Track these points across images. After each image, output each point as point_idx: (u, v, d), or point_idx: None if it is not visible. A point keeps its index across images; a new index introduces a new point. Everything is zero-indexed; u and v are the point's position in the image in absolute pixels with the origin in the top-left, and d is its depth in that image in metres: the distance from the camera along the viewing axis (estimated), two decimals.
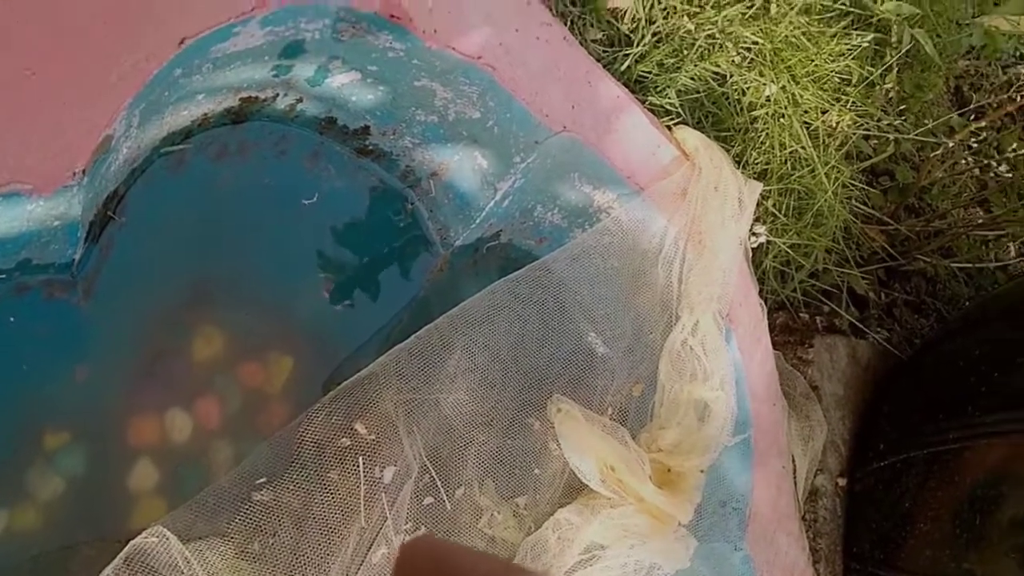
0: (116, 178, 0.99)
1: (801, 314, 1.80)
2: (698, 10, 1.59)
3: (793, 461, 1.55)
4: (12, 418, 1.00)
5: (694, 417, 1.38)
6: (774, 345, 1.56)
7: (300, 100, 1.17)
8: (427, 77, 1.16)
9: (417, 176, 1.31)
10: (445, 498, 1.22)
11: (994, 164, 2.13)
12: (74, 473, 1.05)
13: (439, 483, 1.22)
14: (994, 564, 1.31)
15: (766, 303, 1.55)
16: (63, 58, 0.82)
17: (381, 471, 1.16)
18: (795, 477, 1.54)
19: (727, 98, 1.63)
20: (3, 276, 0.94)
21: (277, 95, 1.14)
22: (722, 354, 1.40)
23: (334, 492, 1.12)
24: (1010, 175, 2.10)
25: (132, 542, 0.95)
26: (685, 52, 1.56)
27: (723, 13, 1.59)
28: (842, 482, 1.67)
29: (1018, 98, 2.09)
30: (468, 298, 1.29)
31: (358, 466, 1.14)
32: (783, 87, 1.65)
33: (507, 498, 1.28)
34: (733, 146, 1.61)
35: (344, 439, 1.15)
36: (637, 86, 1.51)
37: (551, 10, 1.28)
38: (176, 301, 1.13)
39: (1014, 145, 2.13)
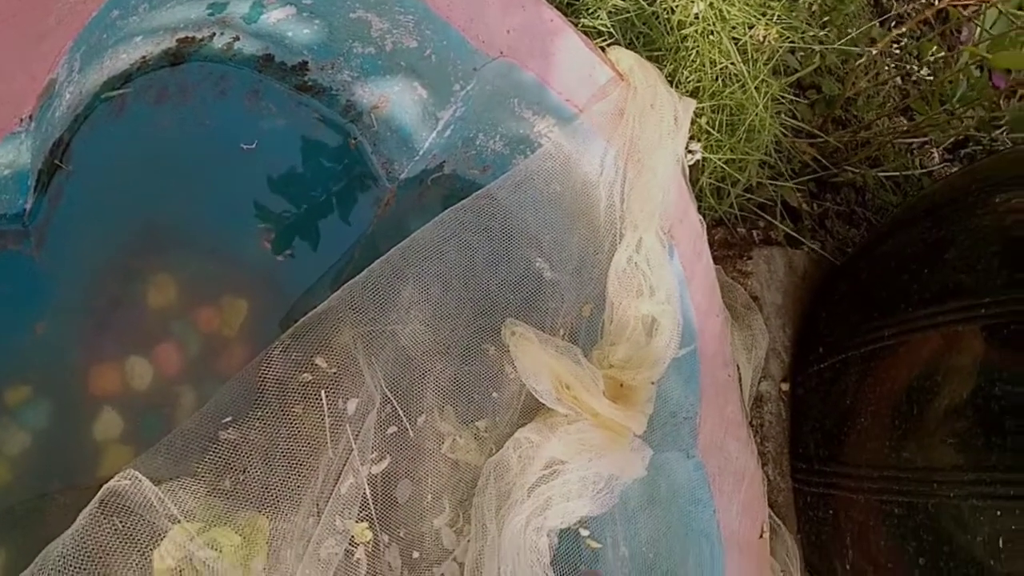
0: (61, 124, 0.98)
1: (739, 229, 1.84)
2: None
3: (738, 369, 1.60)
4: None
5: (642, 332, 1.41)
6: (715, 260, 1.60)
7: (237, 38, 1.16)
8: (362, 8, 1.16)
9: (358, 110, 1.31)
10: (408, 426, 1.25)
11: (915, 69, 2.19)
12: (39, 426, 1.05)
13: (401, 412, 1.24)
14: (931, 451, 1.37)
15: (704, 219, 1.59)
16: (4, 7, 0.81)
17: (344, 403, 1.18)
18: (741, 385, 1.59)
19: (657, 17, 1.64)
20: None
21: (214, 34, 1.13)
22: (666, 269, 1.44)
23: (299, 426, 1.14)
24: (931, 78, 2.16)
25: (105, 486, 0.96)
26: None
27: None
28: (785, 387, 1.74)
29: (935, 2, 2.13)
30: (415, 230, 1.31)
31: (321, 400, 1.16)
32: (711, 4, 1.67)
33: (468, 423, 1.31)
34: (665, 65, 1.63)
35: (305, 374, 1.16)
36: (569, 9, 1.52)
37: None
38: (127, 249, 1.13)
39: (933, 49, 2.18)
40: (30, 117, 0.84)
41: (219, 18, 1.10)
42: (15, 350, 1.03)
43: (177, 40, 1.09)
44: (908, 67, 2.28)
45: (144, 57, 1.08)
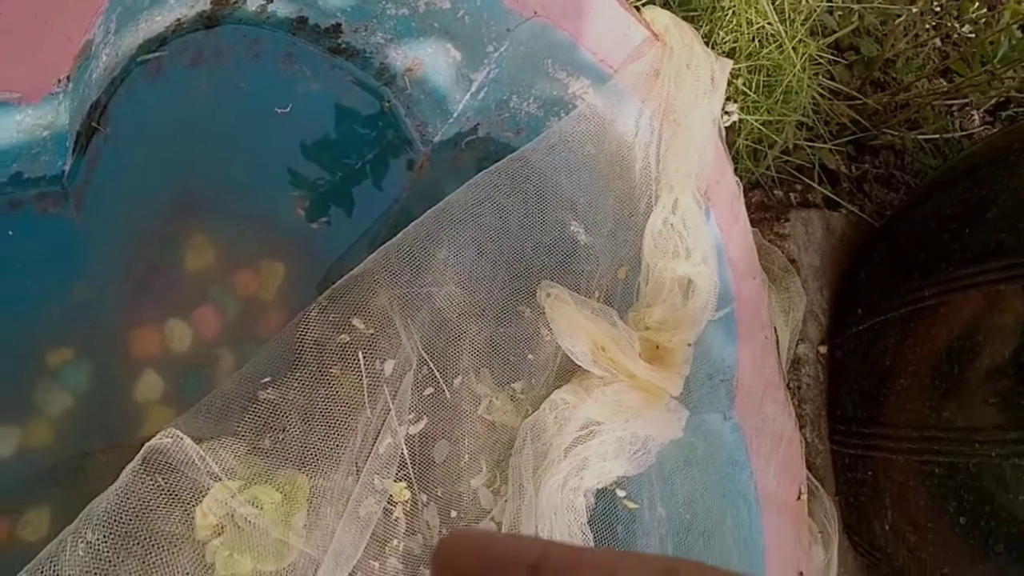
0: (98, 87, 0.99)
1: (775, 191, 1.83)
2: None
3: (775, 332, 1.59)
4: (14, 337, 1.02)
5: (679, 293, 1.41)
6: (751, 222, 1.59)
7: (271, 1, 1.16)
8: None
9: (392, 73, 1.31)
10: (444, 388, 1.25)
11: (955, 29, 2.15)
12: (81, 388, 1.06)
13: (437, 374, 1.25)
14: (973, 411, 1.36)
15: (741, 181, 1.58)
16: None
17: (381, 364, 1.18)
18: (778, 347, 1.58)
19: None
20: None
21: None
22: (703, 230, 1.43)
23: (337, 387, 1.14)
24: (971, 37, 2.12)
25: (148, 444, 0.97)
26: None
27: None
28: (823, 349, 1.72)
29: None
30: (449, 193, 1.31)
31: (359, 360, 1.16)
32: None
33: (503, 384, 1.31)
34: (701, 25, 1.62)
35: (343, 335, 1.17)
36: None
37: None
38: (165, 212, 1.14)
39: (974, 7, 2.14)
40: (67, 78, 0.84)
41: None
42: (56, 312, 1.04)
43: (211, 2, 1.10)
44: (948, 27, 2.24)
45: (179, 20, 1.08)
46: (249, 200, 1.22)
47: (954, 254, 1.49)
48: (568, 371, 1.36)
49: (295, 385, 1.12)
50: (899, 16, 2.09)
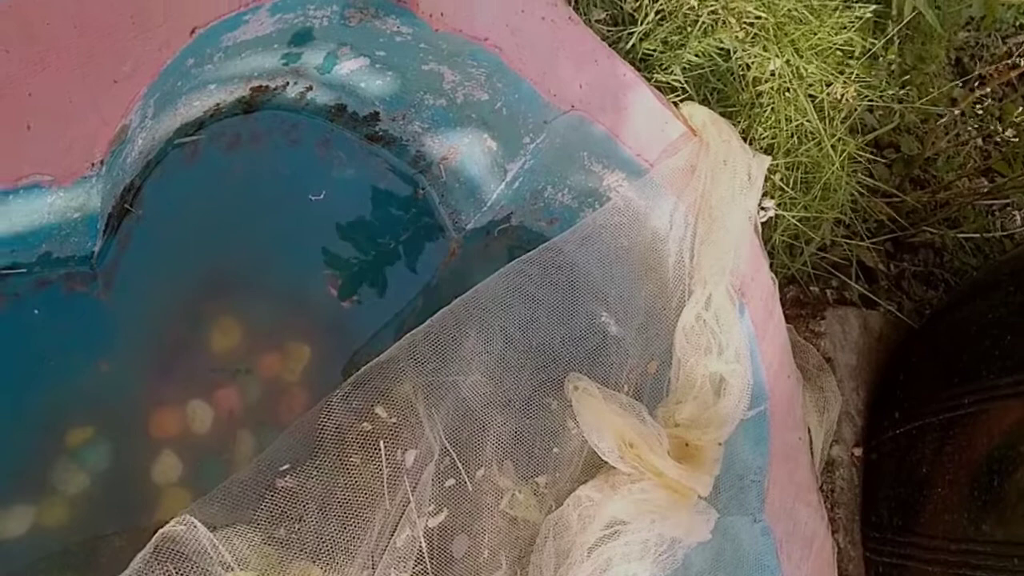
0: (132, 169, 1.00)
1: (812, 288, 1.80)
2: None
3: (809, 432, 1.56)
4: (36, 414, 1.01)
5: (710, 391, 1.38)
6: (786, 319, 1.56)
7: (310, 88, 1.17)
8: (435, 60, 1.16)
9: (427, 161, 1.31)
10: (466, 479, 1.23)
11: (998, 134, 2.14)
12: (99, 467, 1.05)
13: (460, 465, 1.22)
14: (1013, 525, 1.31)
15: (776, 277, 1.56)
16: (80, 50, 0.83)
17: (403, 454, 1.16)
18: (811, 448, 1.55)
19: (732, 73, 1.63)
20: (24, 270, 0.95)
21: (287, 83, 1.14)
22: (736, 327, 1.40)
23: (357, 476, 1.12)
24: (1015, 139, 2.10)
25: (160, 531, 0.95)
26: (689, 29, 1.56)
27: None
28: (858, 452, 1.68)
29: (1021, 63, 2.08)
30: (479, 281, 1.30)
31: (380, 450, 1.14)
32: (787, 61, 1.65)
33: (527, 478, 1.29)
34: (739, 121, 1.61)
35: (365, 423, 1.15)
36: (643, 64, 1.51)
37: None
38: (194, 292, 1.14)
39: (1019, 110, 2.13)
40: (101, 162, 0.85)
41: (293, 68, 1.11)
42: (79, 391, 1.04)
43: (251, 88, 1.11)
44: (990, 128, 2.22)
45: (218, 104, 1.09)
46: (278, 282, 1.22)
47: (995, 361, 1.46)
48: (594, 466, 1.33)
49: (314, 473, 1.10)
50: (941, 116, 2.08)
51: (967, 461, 1.44)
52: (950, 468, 1.45)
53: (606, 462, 1.28)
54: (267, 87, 1.13)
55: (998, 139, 2.22)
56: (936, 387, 1.56)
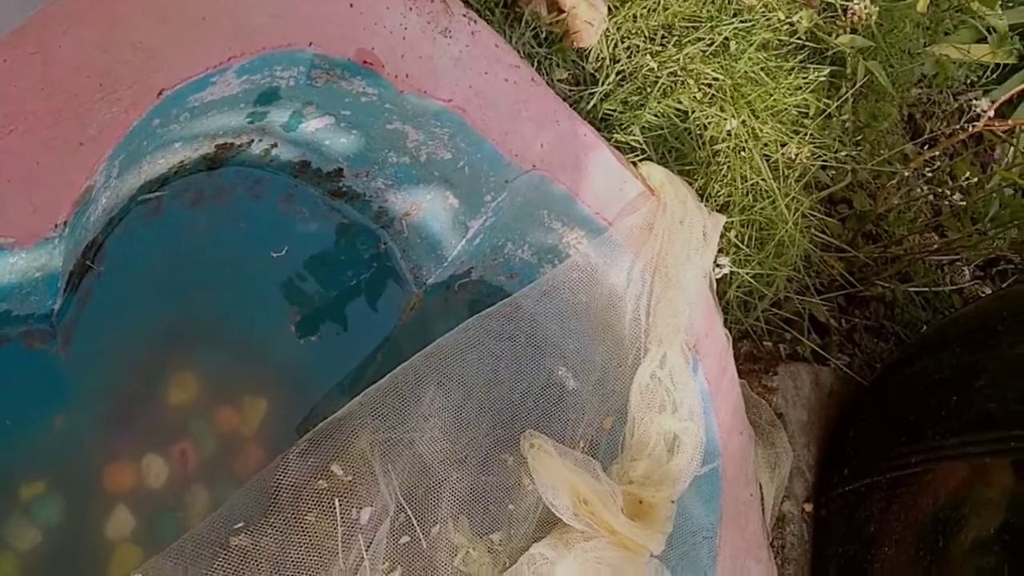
0: (95, 228, 1.00)
1: (765, 342, 1.83)
2: (660, 48, 1.62)
3: (760, 488, 1.58)
4: None
5: (664, 448, 1.40)
6: (739, 374, 1.59)
7: (275, 145, 1.18)
8: (399, 120, 1.18)
9: (390, 216, 1.32)
10: (421, 536, 1.23)
11: (947, 193, 2.19)
12: (51, 522, 1.04)
13: (415, 522, 1.23)
14: None
15: (730, 332, 1.58)
16: (47, 113, 0.83)
17: (358, 512, 1.17)
18: (763, 504, 1.57)
19: (689, 133, 1.66)
20: None
21: (252, 141, 1.15)
22: (690, 385, 1.43)
23: (312, 535, 1.12)
24: (963, 203, 2.16)
25: None
26: (648, 90, 1.59)
27: (684, 51, 1.63)
28: (808, 507, 1.70)
29: (969, 127, 2.14)
30: (440, 335, 1.31)
31: (335, 508, 1.14)
32: (743, 121, 1.69)
33: (482, 534, 1.29)
34: (696, 179, 1.65)
35: (321, 481, 1.15)
36: (603, 124, 1.54)
37: (519, 52, 1.31)
38: (152, 346, 1.14)
39: (967, 173, 2.19)
40: (64, 223, 0.85)
41: (259, 126, 1.12)
42: (33, 445, 1.03)
43: (216, 146, 1.12)
44: (940, 187, 2.28)
45: (182, 162, 1.10)
46: (238, 336, 1.22)
47: (941, 421, 1.49)
48: (548, 523, 1.34)
49: (269, 531, 1.09)
50: (893, 174, 2.13)
51: (913, 521, 1.46)
52: (897, 527, 1.48)
53: (561, 519, 1.29)
54: (232, 144, 1.13)
55: (948, 198, 2.28)
56: (884, 445, 1.59)
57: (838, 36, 1.95)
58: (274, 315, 1.25)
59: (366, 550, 1.15)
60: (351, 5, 1.07)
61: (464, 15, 1.20)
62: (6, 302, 0.92)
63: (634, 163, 1.47)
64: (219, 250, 1.19)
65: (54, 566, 1.04)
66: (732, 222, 1.68)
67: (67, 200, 0.86)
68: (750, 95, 1.71)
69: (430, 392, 1.27)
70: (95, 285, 1.06)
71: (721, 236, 1.52)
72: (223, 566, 1.05)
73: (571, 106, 1.38)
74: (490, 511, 1.30)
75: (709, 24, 1.69)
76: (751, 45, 1.72)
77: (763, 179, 1.72)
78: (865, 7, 2.00)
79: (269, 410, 1.23)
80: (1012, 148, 2.12)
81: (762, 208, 1.73)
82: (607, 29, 1.55)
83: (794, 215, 1.77)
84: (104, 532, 1.08)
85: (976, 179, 2.30)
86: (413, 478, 1.23)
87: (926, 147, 2.34)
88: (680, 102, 1.63)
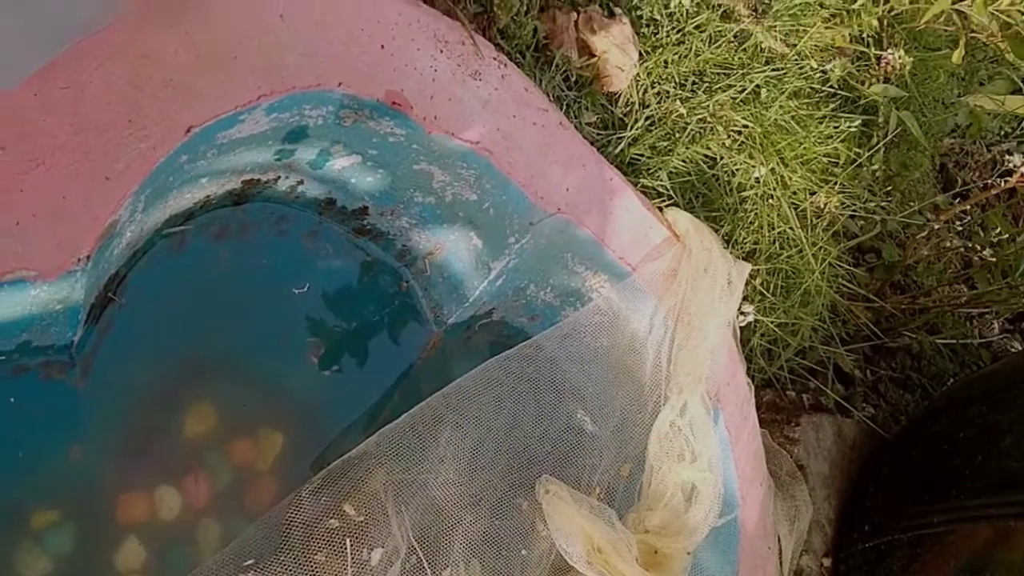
0: (118, 261, 1.00)
1: (788, 392, 1.81)
2: (690, 94, 1.62)
3: (779, 541, 1.55)
4: (3, 498, 1.00)
5: (681, 499, 1.38)
6: (761, 423, 1.57)
7: (301, 182, 1.19)
8: (426, 161, 1.18)
9: (413, 255, 1.32)
10: None
11: (978, 246, 2.17)
12: (62, 552, 1.04)
13: (426, 564, 1.21)
14: None
15: (753, 381, 1.57)
16: (76, 148, 0.84)
17: (369, 553, 1.16)
18: (780, 558, 1.54)
19: (717, 180, 1.66)
20: (2, 358, 0.95)
21: (279, 177, 1.16)
22: (710, 435, 1.41)
23: (321, 575, 1.12)
24: (994, 257, 2.13)
25: None
26: (677, 135, 1.59)
27: (715, 98, 1.62)
28: (827, 562, 1.68)
29: (1002, 183, 2.12)
30: (459, 375, 1.30)
31: (346, 548, 1.14)
32: (772, 169, 1.68)
33: None
34: (722, 226, 1.64)
35: (333, 520, 1.15)
36: (630, 168, 1.53)
37: (548, 95, 1.31)
38: (171, 378, 1.14)
39: (998, 228, 2.16)
40: (87, 257, 0.86)
41: (286, 163, 1.13)
42: (47, 474, 1.03)
43: (243, 182, 1.12)
44: (972, 241, 2.26)
45: (208, 197, 1.10)
46: (257, 370, 1.22)
47: (965, 481, 1.47)
48: (561, 570, 1.32)
49: (278, 569, 1.09)
50: (923, 224, 2.11)
51: None
52: None
53: (574, 567, 1.27)
54: (259, 180, 1.14)
55: (979, 252, 2.25)
56: (906, 503, 1.56)
57: (871, 85, 1.94)
58: (294, 350, 1.25)
59: None
60: (382, 46, 1.07)
61: (495, 58, 1.21)
62: (26, 333, 0.92)
63: (660, 208, 1.47)
64: (242, 285, 1.20)
65: None
66: (758, 270, 1.67)
67: (91, 235, 0.87)
68: (780, 143, 1.70)
69: (447, 432, 1.26)
70: (116, 317, 1.07)
71: (746, 284, 1.51)
72: None
73: (599, 150, 1.38)
74: (503, 556, 1.28)
75: (740, 71, 1.69)
76: (782, 93, 1.72)
77: (791, 227, 1.71)
78: (899, 57, 1.98)
79: (285, 445, 1.23)
80: None
81: (789, 256, 1.71)
82: (637, 74, 1.55)
83: (821, 264, 1.75)
84: (114, 563, 1.08)
85: (1008, 233, 2.27)
86: (426, 520, 1.22)
87: (958, 199, 2.32)
88: (709, 148, 1.63)
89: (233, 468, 1.19)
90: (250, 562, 1.08)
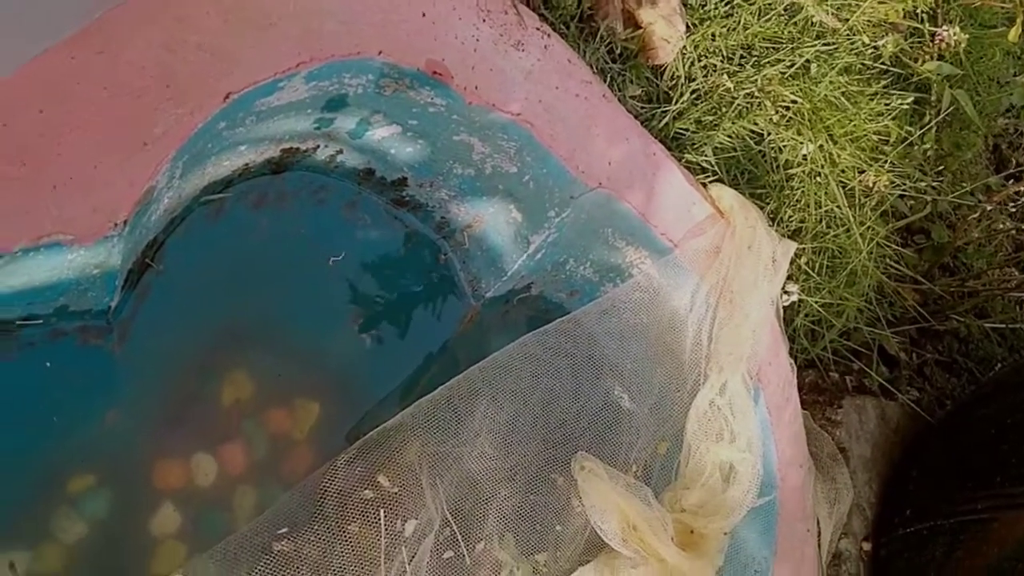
0: (156, 227, 1.00)
1: (831, 373, 1.78)
2: (738, 68, 1.59)
3: (818, 524, 1.53)
4: (40, 462, 1.01)
5: (719, 478, 1.37)
6: (803, 404, 1.55)
7: (340, 152, 1.18)
8: (466, 132, 1.17)
9: (452, 228, 1.31)
10: (465, 552, 1.21)
11: None
12: (98, 516, 1.05)
13: (459, 537, 1.21)
14: None
15: (796, 361, 1.54)
16: (112, 112, 0.83)
17: (403, 524, 1.16)
18: (819, 540, 1.52)
19: (763, 156, 1.62)
20: (40, 322, 0.95)
21: (318, 146, 1.15)
22: (749, 415, 1.39)
23: (354, 545, 1.12)
24: None
25: None
26: (723, 110, 1.56)
27: (763, 72, 1.59)
28: (867, 546, 1.65)
29: None
30: (496, 349, 1.30)
31: (379, 519, 1.14)
32: (820, 146, 1.65)
33: (527, 554, 1.27)
34: (768, 203, 1.61)
35: (367, 491, 1.15)
36: (674, 143, 1.51)
37: (591, 67, 1.29)
38: (208, 346, 1.14)
39: None
40: (124, 222, 0.85)
41: (325, 132, 1.12)
42: (84, 439, 1.04)
43: (281, 150, 1.12)
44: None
45: (247, 165, 1.10)
46: (293, 339, 1.22)
47: (1011, 468, 1.43)
48: (596, 546, 1.31)
49: (311, 539, 1.09)
50: (974, 206, 2.06)
51: (977, 568, 1.42)
52: (959, 574, 1.43)
53: (608, 544, 1.26)
54: (298, 149, 1.13)
55: None
56: (950, 488, 1.53)
57: (924, 63, 1.89)
58: (331, 320, 1.25)
59: (408, 563, 1.14)
60: (423, 14, 1.05)
61: (538, 28, 1.19)
62: (63, 297, 0.93)
63: (704, 184, 1.44)
64: (280, 253, 1.19)
65: (98, 560, 1.05)
66: (803, 248, 1.64)
67: (128, 200, 0.87)
68: (829, 120, 1.66)
69: (483, 406, 1.26)
70: (154, 283, 1.07)
71: (791, 263, 1.48)
72: (264, 570, 1.05)
73: (643, 124, 1.36)
74: (537, 530, 1.28)
75: (790, 46, 1.65)
76: (833, 69, 1.68)
77: (838, 206, 1.67)
78: (954, 34, 1.93)
79: (321, 414, 1.23)
80: None
81: (835, 236, 1.68)
82: (684, 47, 1.52)
83: (868, 244, 1.71)
84: (149, 528, 1.09)
85: None
86: (460, 493, 1.22)
87: (1011, 180, 2.26)
88: (756, 124, 1.59)
89: (269, 436, 1.19)
90: (284, 530, 1.08)
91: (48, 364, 0.99)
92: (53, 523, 1.02)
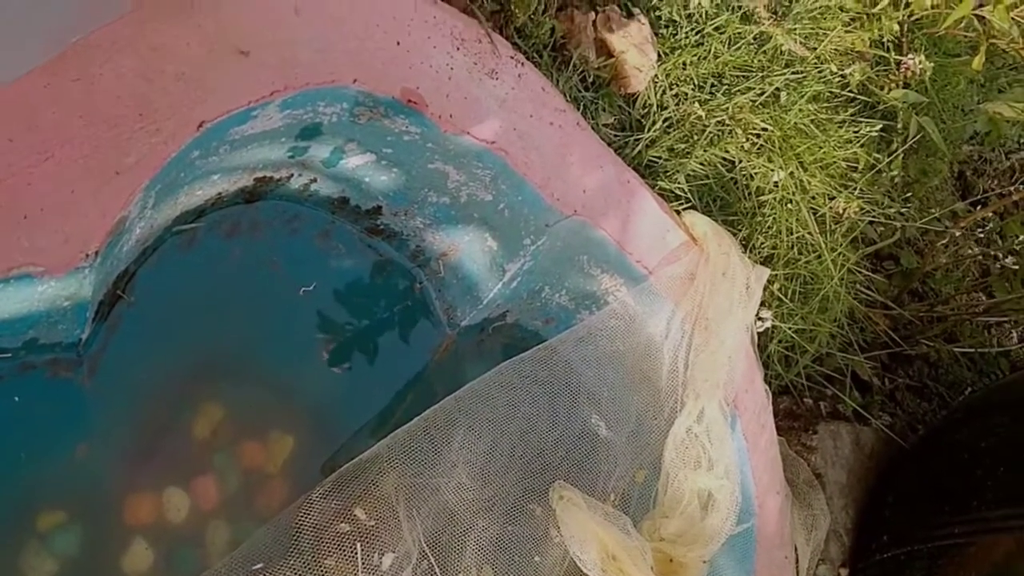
0: (127, 258, 0.99)
1: (805, 399, 1.79)
2: (709, 97, 1.60)
3: (796, 551, 1.53)
4: (8, 498, 0.99)
5: (698, 506, 1.36)
6: (778, 430, 1.55)
7: (314, 180, 1.17)
8: (441, 160, 1.16)
9: (427, 256, 1.31)
10: None
11: (998, 254, 2.14)
12: (68, 553, 1.03)
13: (437, 570, 1.19)
14: None
15: (770, 387, 1.54)
16: (85, 141, 0.82)
17: (380, 557, 1.14)
18: (797, 568, 1.52)
19: (735, 183, 1.63)
20: (9, 355, 0.93)
21: (292, 175, 1.14)
22: (727, 442, 1.39)
23: None
24: (1014, 265, 2.11)
25: None
26: (695, 138, 1.57)
27: (734, 100, 1.60)
28: (844, 573, 1.65)
29: (1021, 190, 2.10)
30: (472, 378, 1.28)
31: (356, 552, 1.12)
32: (791, 173, 1.66)
33: None
34: (740, 230, 1.61)
35: (343, 524, 1.13)
36: (647, 171, 1.51)
37: (565, 95, 1.29)
38: (180, 378, 1.12)
39: (1017, 236, 2.13)
40: (96, 253, 0.84)
41: (299, 160, 1.11)
42: (53, 474, 1.02)
43: (255, 179, 1.11)
44: (991, 249, 2.23)
45: (220, 194, 1.09)
46: (267, 369, 1.21)
47: (987, 492, 1.44)
48: None
49: (287, 574, 1.07)
50: (942, 231, 2.09)
51: None
52: None
53: (587, 574, 1.25)
54: (271, 178, 1.12)
55: (997, 260, 2.22)
56: (926, 513, 1.54)
57: (890, 90, 1.92)
58: (306, 351, 1.24)
59: None
60: (398, 43, 1.05)
61: (512, 57, 1.19)
62: (33, 330, 0.91)
63: (678, 212, 1.45)
64: (253, 284, 1.18)
65: None
66: (776, 275, 1.65)
67: (100, 230, 0.85)
68: (799, 147, 1.68)
69: (459, 436, 1.24)
70: (125, 314, 1.06)
71: (764, 289, 1.48)
72: None
73: (616, 152, 1.36)
74: (516, 562, 1.26)
75: (760, 74, 1.67)
76: (802, 97, 1.70)
77: (809, 232, 1.68)
78: (919, 62, 1.96)
79: (296, 447, 1.21)
80: None
81: (807, 262, 1.69)
82: (656, 75, 1.53)
83: (840, 270, 1.73)
84: (121, 566, 1.06)
85: None
86: (438, 524, 1.20)
87: (977, 206, 2.29)
88: (727, 151, 1.60)
89: (242, 470, 1.17)
90: (259, 566, 1.06)
91: (16, 398, 0.97)
92: (22, 560, 0.99)
